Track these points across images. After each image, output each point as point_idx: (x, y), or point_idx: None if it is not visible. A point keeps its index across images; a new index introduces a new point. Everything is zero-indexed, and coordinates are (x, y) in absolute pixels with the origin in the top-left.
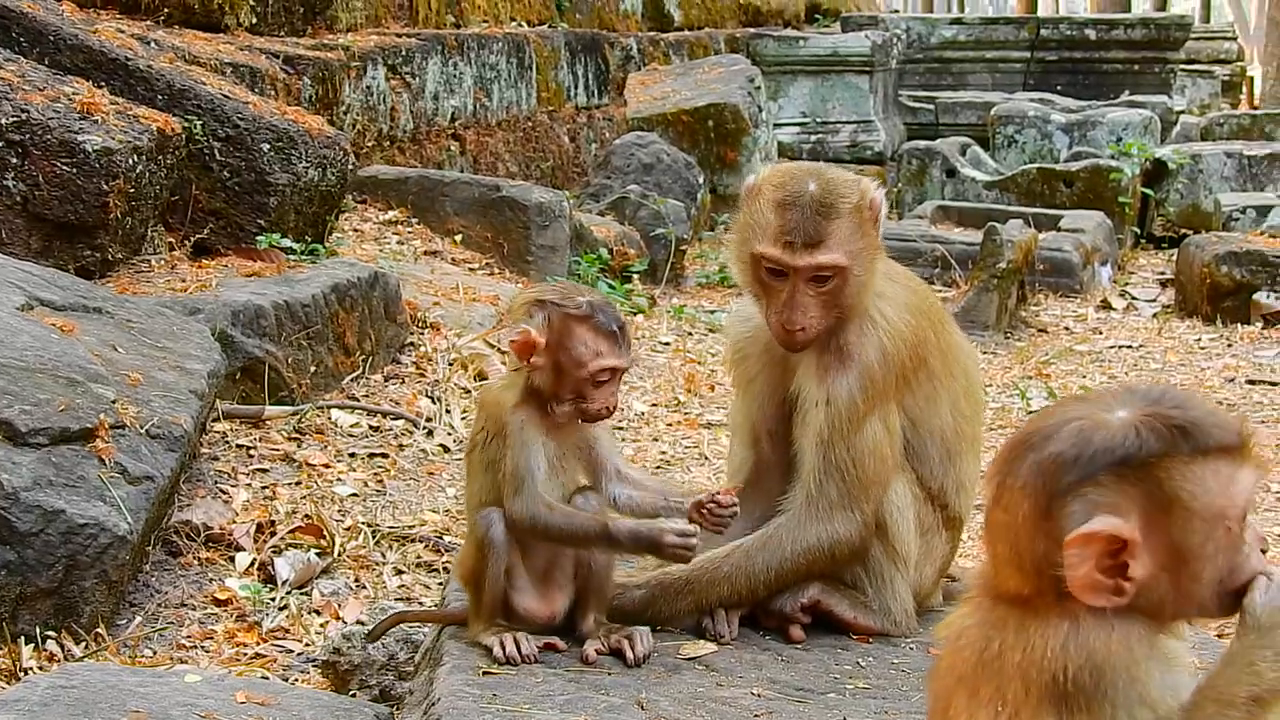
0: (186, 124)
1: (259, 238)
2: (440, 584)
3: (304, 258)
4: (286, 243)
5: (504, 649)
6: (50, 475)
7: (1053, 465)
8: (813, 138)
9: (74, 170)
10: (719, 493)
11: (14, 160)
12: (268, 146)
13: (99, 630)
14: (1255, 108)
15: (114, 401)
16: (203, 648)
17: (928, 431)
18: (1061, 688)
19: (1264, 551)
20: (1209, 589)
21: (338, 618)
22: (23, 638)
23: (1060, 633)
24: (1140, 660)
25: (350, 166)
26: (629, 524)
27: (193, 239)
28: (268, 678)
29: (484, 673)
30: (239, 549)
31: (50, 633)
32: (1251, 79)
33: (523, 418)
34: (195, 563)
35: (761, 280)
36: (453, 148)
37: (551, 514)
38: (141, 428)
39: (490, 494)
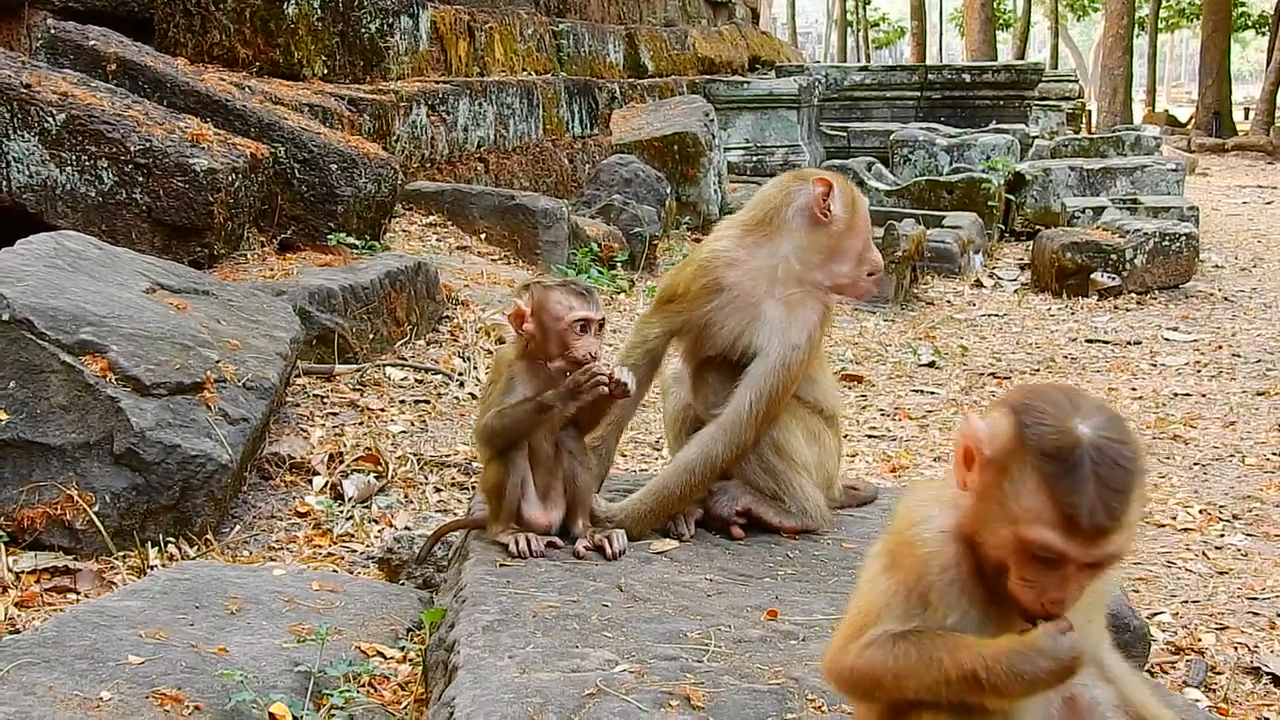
0: (273, 150)
1: (329, 237)
2: (468, 498)
3: (364, 252)
4: (350, 240)
5: (517, 545)
6: (169, 418)
7: (1023, 391)
8: (754, 158)
9: (187, 185)
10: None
11: (140, 178)
12: (335, 167)
13: (208, 537)
14: (1092, 133)
15: (218, 361)
16: (288, 549)
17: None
18: (892, 546)
19: (1048, 611)
20: (990, 558)
21: (391, 525)
22: (149, 543)
23: (920, 510)
24: (938, 570)
25: (399, 181)
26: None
27: (278, 238)
28: (337, 571)
29: (500, 565)
30: (315, 474)
31: (170, 539)
32: (1089, 112)
33: (518, 368)
34: (282, 485)
35: (870, 236)
36: (479, 168)
37: (503, 417)
38: (239, 382)
39: None
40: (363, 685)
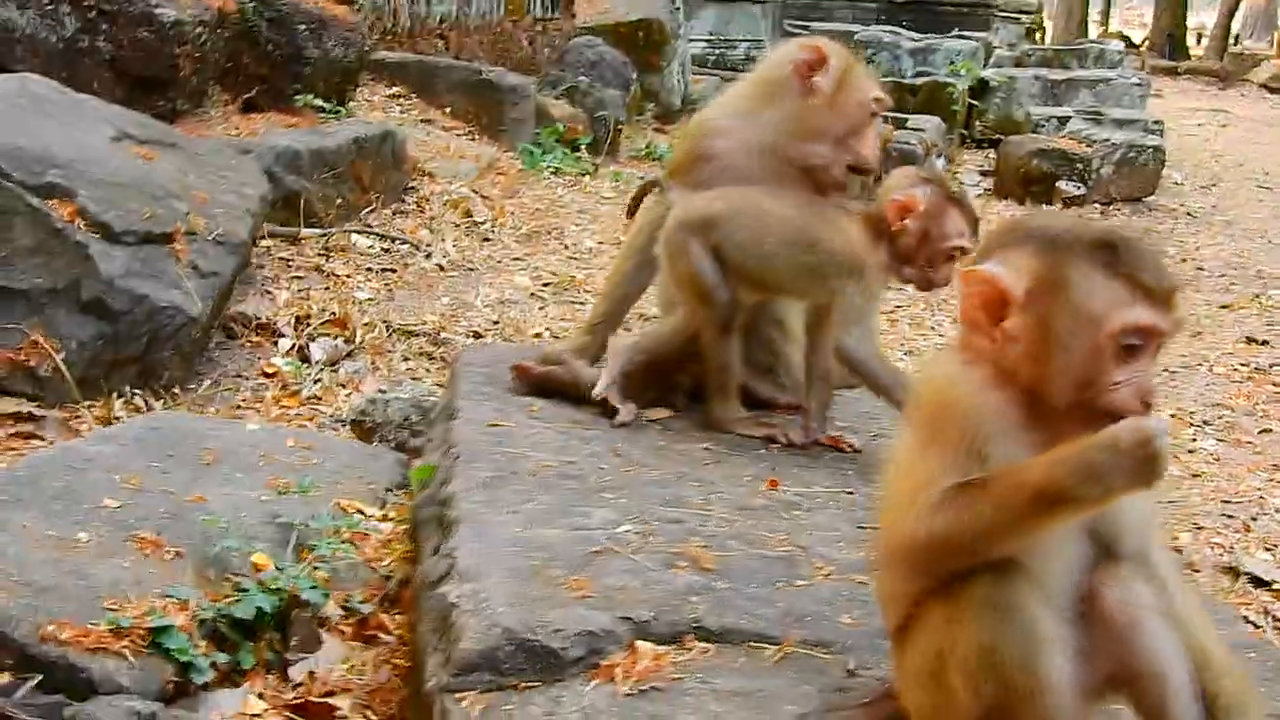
0: (240, 6)
1: (296, 98)
2: (438, 368)
3: (330, 116)
4: (317, 103)
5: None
6: (138, 267)
7: (1005, 227)
8: (717, 51)
9: (152, 36)
10: None
11: (105, 27)
12: (303, 27)
13: (174, 390)
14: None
15: (187, 214)
16: (254, 409)
17: None
18: (928, 418)
19: (1147, 406)
20: (1066, 383)
21: (359, 390)
22: (114, 393)
23: (946, 375)
24: (985, 421)
25: (366, 47)
26: None
27: (243, 97)
28: (311, 429)
29: (490, 425)
30: (281, 335)
31: (136, 390)
32: (1045, 29)
33: (876, 267)
34: (247, 344)
35: (864, 120)
36: (439, 44)
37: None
38: (209, 235)
39: (768, 268)
40: (344, 540)
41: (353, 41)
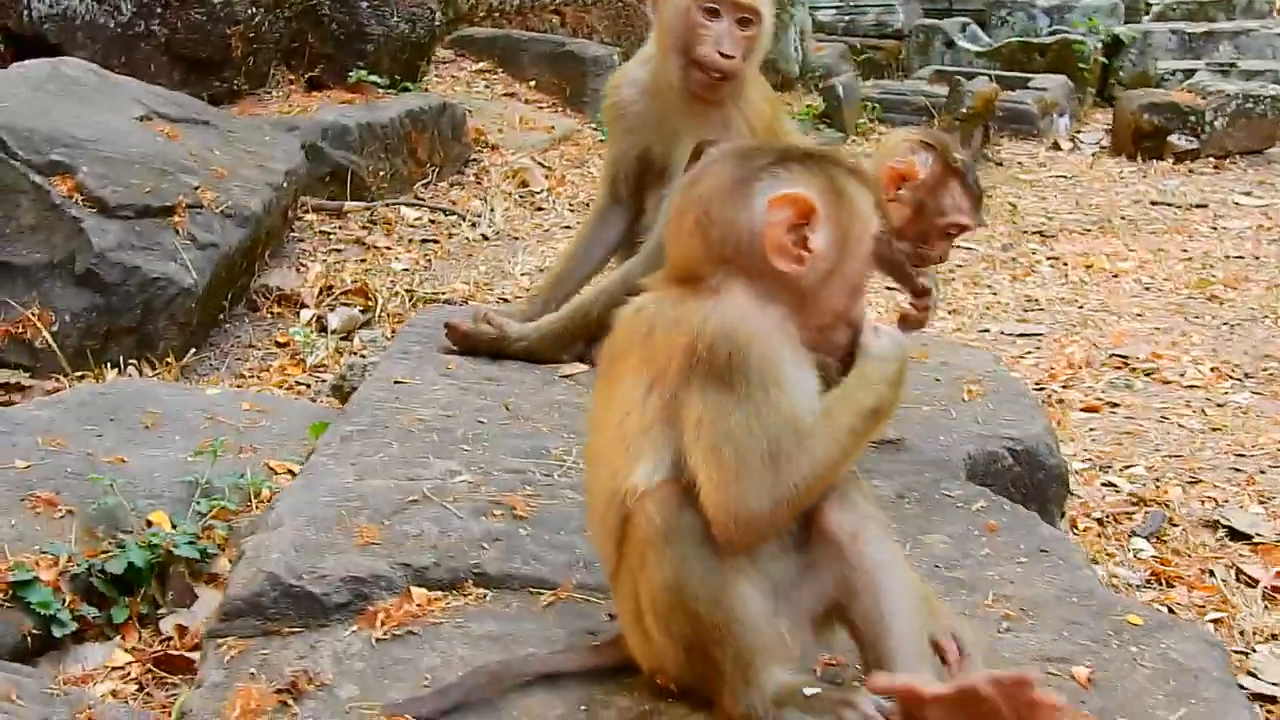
0: None
1: (351, 74)
2: None
3: (390, 91)
4: (374, 78)
5: None
6: (132, 240)
7: (751, 151)
8: (847, 17)
9: (204, 18)
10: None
11: (159, 9)
12: (366, 5)
13: (169, 360)
14: None
15: (196, 188)
16: (258, 377)
17: None
18: (700, 358)
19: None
20: (849, 288)
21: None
22: (109, 364)
23: (705, 308)
24: (776, 346)
25: (437, 23)
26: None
27: (307, 76)
28: (298, 396)
29: (395, 382)
30: (305, 306)
31: (131, 361)
32: None
33: None
34: (268, 316)
35: (694, 22)
36: (554, 20)
37: None
38: (217, 208)
39: None
40: (262, 501)
41: (420, 17)
